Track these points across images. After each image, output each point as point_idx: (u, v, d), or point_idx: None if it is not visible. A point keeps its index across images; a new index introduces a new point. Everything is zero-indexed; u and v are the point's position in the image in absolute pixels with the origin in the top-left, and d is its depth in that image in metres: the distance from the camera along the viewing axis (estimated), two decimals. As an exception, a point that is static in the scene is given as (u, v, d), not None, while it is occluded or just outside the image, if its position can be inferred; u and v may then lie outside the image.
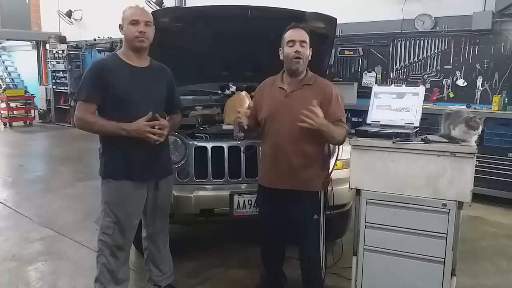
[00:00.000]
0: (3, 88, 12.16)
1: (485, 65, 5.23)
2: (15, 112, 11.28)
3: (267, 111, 2.47)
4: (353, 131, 2.47)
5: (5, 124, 11.03)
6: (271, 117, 2.43)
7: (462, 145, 2.18)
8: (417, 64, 5.81)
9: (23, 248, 3.58)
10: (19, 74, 14.85)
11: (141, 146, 2.32)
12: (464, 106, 5.13)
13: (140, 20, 2.28)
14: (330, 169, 2.62)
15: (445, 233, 2.21)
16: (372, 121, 2.51)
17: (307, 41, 2.40)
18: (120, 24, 2.35)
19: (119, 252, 2.42)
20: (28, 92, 11.89)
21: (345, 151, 2.67)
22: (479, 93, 5.31)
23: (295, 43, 2.37)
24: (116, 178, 2.35)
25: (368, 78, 6.19)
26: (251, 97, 3.43)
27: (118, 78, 2.30)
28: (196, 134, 3.16)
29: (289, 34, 2.41)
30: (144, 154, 2.36)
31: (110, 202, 2.37)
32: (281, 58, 2.46)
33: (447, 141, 2.24)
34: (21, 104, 11.40)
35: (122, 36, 2.35)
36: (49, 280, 3.07)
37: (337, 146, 2.64)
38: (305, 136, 2.37)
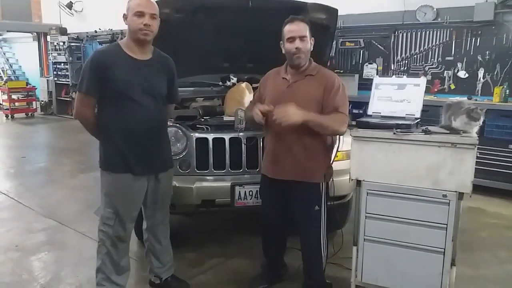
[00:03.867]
0: (4, 80, 12.10)
1: (487, 57, 5.21)
2: (16, 104, 11.27)
3: (269, 101, 2.47)
4: (354, 122, 2.47)
5: (7, 116, 11.02)
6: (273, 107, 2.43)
7: (463, 136, 2.18)
8: (418, 56, 5.78)
9: (26, 238, 3.61)
10: (20, 66, 14.83)
11: (141, 139, 2.32)
12: (465, 98, 5.10)
13: (146, 12, 2.22)
14: (331, 160, 2.62)
15: (445, 224, 2.23)
16: (373, 113, 2.52)
17: (307, 34, 2.39)
18: (124, 14, 2.28)
19: (120, 243, 2.43)
20: (30, 84, 11.85)
21: (346, 142, 2.68)
22: (480, 84, 5.29)
23: (295, 39, 2.36)
24: (116, 170, 2.34)
25: (369, 70, 6.17)
26: (253, 88, 3.44)
27: (118, 71, 2.25)
28: (197, 126, 3.16)
29: (288, 29, 2.39)
30: (144, 147, 2.35)
31: (110, 193, 2.37)
32: (283, 52, 2.46)
33: (448, 132, 2.25)
34: (23, 96, 11.38)
35: (126, 26, 2.30)
36: (52, 270, 3.10)
37: (337, 138, 2.65)
38: (306, 127, 2.36)
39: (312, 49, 2.45)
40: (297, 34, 2.36)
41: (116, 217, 2.36)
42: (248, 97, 3.34)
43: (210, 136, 2.99)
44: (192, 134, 2.99)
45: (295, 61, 2.40)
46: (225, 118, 3.37)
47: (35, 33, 12.70)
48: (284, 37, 2.41)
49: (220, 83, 4.16)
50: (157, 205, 2.56)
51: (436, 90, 5.59)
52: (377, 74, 5.97)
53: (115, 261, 2.44)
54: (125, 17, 2.29)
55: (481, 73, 5.26)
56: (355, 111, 5.60)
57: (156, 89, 2.39)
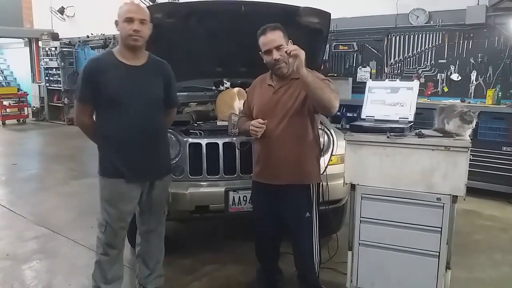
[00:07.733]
0: (-5, 86, 12.07)
1: (479, 59, 5.24)
2: (8, 110, 11.18)
3: (257, 108, 2.48)
4: (347, 126, 2.46)
5: (-2, 123, 10.94)
6: (261, 114, 2.43)
7: (456, 139, 2.19)
8: (411, 59, 5.81)
9: (17, 247, 3.56)
10: (12, 72, 14.71)
11: (133, 145, 2.31)
12: (459, 100, 5.14)
13: (135, 18, 2.22)
14: (325, 165, 2.61)
15: (439, 227, 2.22)
16: (366, 116, 2.53)
17: (282, 42, 2.32)
18: (116, 20, 2.30)
19: (111, 250, 2.41)
20: (21, 90, 11.79)
21: (340, 146, 2.68)
22: (473, 87, 5.32)
23: (271, 51, 2.33)
24: (109, 175, 2.34)
25: (363, 73, 6.19)
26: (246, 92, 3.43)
27: (110, 78, 2.26)
28: (191, 131, 3.15)
29: (262, 42, 2.35)
30: (136, 153, 2.33)
31: (104, 199, 2.37)
32: (264, 62, 2.42)
33: (441, 135, 2.25)
34: (14, 102, 11.28)
35: (118, 31, 2.30)
36: (44, 278, 3.06)
37: (331, 142, 2.63)
38: (295, 132, 2.38)
39: None
40: (272, 46, 2.32)
41: (107, 224, 2.36)
42: (239, 102, 3.31)
43: (204, 141, 2.97)
44: (185, 139, 2.97)
45: (277, 72, 2.40)
46: (219, 123, 3.36)
47: (27, 39, 12.60)
48: (261, 49, 2.38)
49: (214, 87, 4.15)
50: (152, 211, 2.53)
51: (429, 93, 5.61)
52: (370, 78, 6.00)
53: (104, 271, 2.42)
54: (116, 23, 2.30)
55: (473, 75, 5.29)
56: (349, 114, 5.63)
57: (151, 95, 2.38)
